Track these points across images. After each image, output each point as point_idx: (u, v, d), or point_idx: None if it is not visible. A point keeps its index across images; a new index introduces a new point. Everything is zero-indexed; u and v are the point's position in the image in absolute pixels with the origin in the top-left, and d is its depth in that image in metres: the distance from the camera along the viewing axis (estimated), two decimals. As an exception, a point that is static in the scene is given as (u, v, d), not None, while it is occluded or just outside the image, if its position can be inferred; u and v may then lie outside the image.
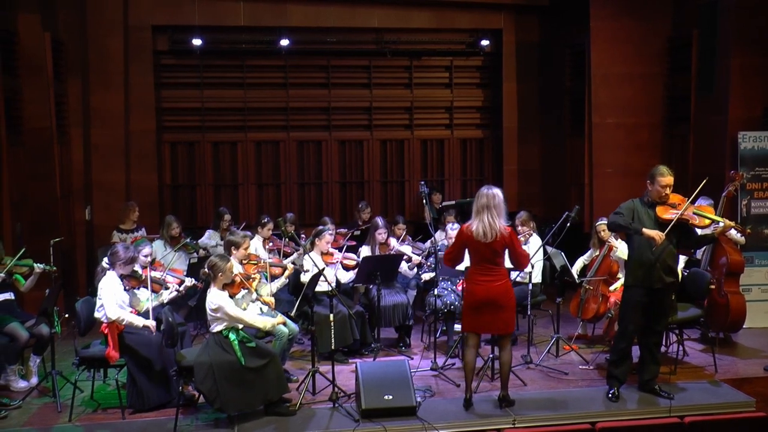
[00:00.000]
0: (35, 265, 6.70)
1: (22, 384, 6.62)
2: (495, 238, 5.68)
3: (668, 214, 5.96)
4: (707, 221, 6.08)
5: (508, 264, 6.01)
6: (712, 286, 7.23)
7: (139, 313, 6.27)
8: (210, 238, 8.89)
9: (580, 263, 7.89)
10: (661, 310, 6.14)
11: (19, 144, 8.62)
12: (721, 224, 6.30)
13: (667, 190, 5.99)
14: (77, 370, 6.20)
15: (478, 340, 6.08)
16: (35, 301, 7.25)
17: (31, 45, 8.75)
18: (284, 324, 6.47)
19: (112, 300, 6.04)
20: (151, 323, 6.13)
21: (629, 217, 6.00)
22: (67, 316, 8.06)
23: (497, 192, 5.76)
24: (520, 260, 5.93)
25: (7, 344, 6.26)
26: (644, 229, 5.89)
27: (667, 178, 5.98)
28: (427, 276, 7.84)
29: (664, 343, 7.42)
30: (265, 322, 6.13)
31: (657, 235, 5.83)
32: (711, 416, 5.77)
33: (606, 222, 7.59)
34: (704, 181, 6.18)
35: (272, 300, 6.58)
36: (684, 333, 7.26)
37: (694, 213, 6.03)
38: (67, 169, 9.67)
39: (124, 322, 6.04)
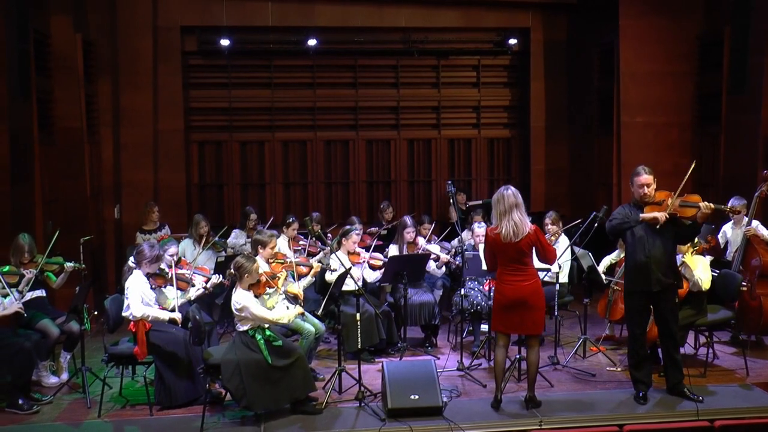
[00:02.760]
0: (65, 263, 6.80)
1: (52, 380, 6.73)
2: (522, 237, 5.65)
3: (653, 213, 5.85)
4: (692, 210, 5.83)
5: (536, 264, 5.97)
6: (744, 288, 7.12)
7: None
8: (237, 238, 8.94)
9: (606, 261, 7.81)
10: (665, 314, 6.04)
11: (50, 143, 8.76)
12: (700, 209, 5.84)
13: (646, 189, 5.90)
14: (106, 367, 6.28)
15: (508, 340, 6.05)
16: (66, 299, 7.36)
17: (62, 46, 8.89)
18: (302, 315, 6.45)
19: (137, 298, 6.11)
20: (177, 315, 6.21)
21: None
22: (96, 313, 8.18)
23: (516, 191, 5.75)
24: (548, 255, 5.88)
25: (38, 340, 6.35)
26: (641, 215, 5.84)
27: (643, 178, 5.91)
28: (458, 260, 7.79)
29: (693, 345, 7.34)
30: (289, 316, 6.10)
31: (658, 214, 5.75)
32: (742, 420, 5.69)
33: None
34: (693, 165, 6.08)
35: (300, 291, 6.58)
36: (714, 335, 7.16)
37: (681, 205, 5.87)
38: (97, 168, 9.80)
39: (149, 319, 6.10)
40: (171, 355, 6.10)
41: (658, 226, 5.82)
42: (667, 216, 5.78)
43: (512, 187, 5.78)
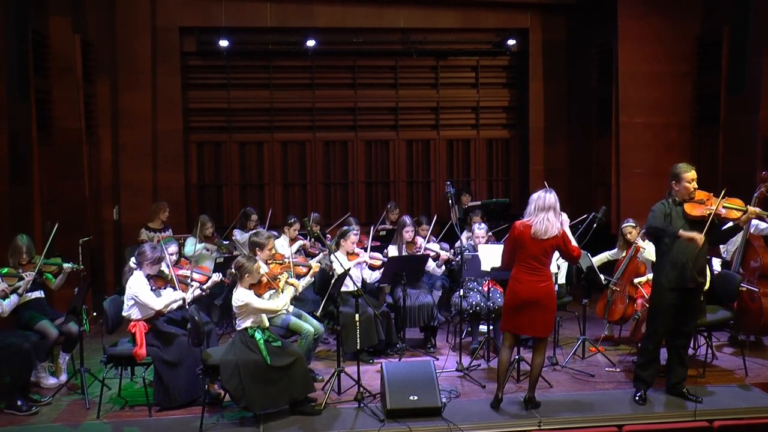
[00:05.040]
0: (64, 264, 6.80)
1: (51, 381, 6.72)
2: (550, 237, 5.71)
3: (698, 210, 5.88)
4: (738, 213, 5.92)
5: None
6: (743, 289, 7.12)
7: (164, 314, 6.35)
8: (242, 235, 8.94)
9: (604, 257, 7.83)
10: (690, 312, 6.08)
11: (49, 144, 8.75)
12: (747, 212, 5.98)
13: (695, 184, 5.94)
14: (105, 368, 6.27)
15: (514, 341, 6.06)
16: (64, 299, 7.35)
17: (61, 47, 8.89)
18: (296, 311, 6.55)
19: (149, 295, 6.13)
20: (187, 295, 6.38)
21: (664, 220, 5.94)
22: (95, 314, 8.18)
23: (557, 196, 5.84)
24: (572, 254, 5.96)
25: (37, 341, 6.34)
26: (681, 232, 5.82)
27: (691, 173, 5.94)
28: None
29: (692, 345, 7.34)
30: (285, 300, 6.21)
31: (697, 236, 5.76)
32: (741, 420, 5.70)
33: (631, 223, 7.57)
34: (723, 192, 6.03)
35: (297, 282, 6.58)
36: (713, 336, 7.16)
37: (724, 206, 5.93)
38: (96, 169, 9.79)
39: (170, 306, 6.22)
40: (170, 356, 6.10)
41: (697, 250, 5.83)
42: (704, 237, 5.78)
43: (554, 191, 5.87)
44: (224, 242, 8.66)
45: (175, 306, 6.36)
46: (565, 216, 6.16)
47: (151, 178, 10.53)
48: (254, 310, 5.83)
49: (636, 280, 7.34)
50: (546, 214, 5.74)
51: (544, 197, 5.80)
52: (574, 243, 6.11)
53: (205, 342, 6.23)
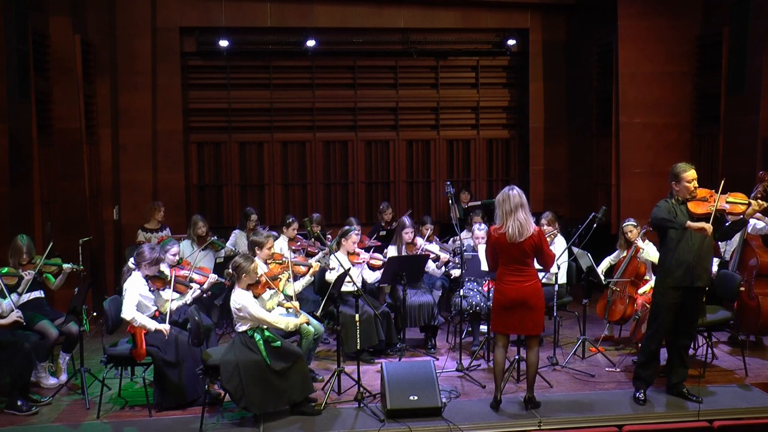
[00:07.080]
0: (63, 264, 6.80)
1: (51, 381, 6.72)
2: (526, 237, 5.63)
3: (702, 208, 5.86)
4: (743, 206, 5.90)
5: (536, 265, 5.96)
6: (742, 288, 7.12)
7: (161, 314, 6.34)
8: (237, 239, 8.93)
9: (606, 263, 7.82)
10: (693, 312, 6.08)
11: (49, 144, 8.76)
12: (751, 205, 5.94)
13: (695, 183, 5.92)
14: (105, 368, 6.27)
15: (507, 340, 6.05)
16: (64, 299, 7.36)
17: (61, 47, 8.90)
18: (308, 323, 6.46)
19: (130, 301, 6.11)
20: (164, 327, 6.12)
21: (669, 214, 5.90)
22: (95, 314, 8.19)
23: (521, 191, 5.74)
24: (547, 260, 5.87)
25: (37, 341, 6.34)
26: (689, 223, 5.76)
27: (691, 173, 5.91)
28: (456, 272, 7.79)
29: (692, 346, 7.33)
30: (288, 322, 6.07)
31: (705, 225, 5.72)
32: (741, 420, 5.69)
33: (631, 223, 7.57)
34: (722, 182, 6.03)
35: (296, 304, 6.55)
36: (713, 336, 7.16)
37: (728, 202, 5.91)
38: (96, 169, 9.80)
39: (137, 324, 6.04)
40: (170, 356, 6.09)
41: (705, 239, 5.84)
42: (711, 227, 5.78)
43: (517, 187, 5.76)
44: (218, 240, 8.62)
45: (149, 325, 6.10)
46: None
47: (151, 178, 10.54)
48: (250, 317, 5.81)
49: (640, 291, 7.33)
50: (515, 216, 5.61)
51: (510, 198, 5.65)
52: (551, 248, 6.04)
53: (205, 342, 6.22)
